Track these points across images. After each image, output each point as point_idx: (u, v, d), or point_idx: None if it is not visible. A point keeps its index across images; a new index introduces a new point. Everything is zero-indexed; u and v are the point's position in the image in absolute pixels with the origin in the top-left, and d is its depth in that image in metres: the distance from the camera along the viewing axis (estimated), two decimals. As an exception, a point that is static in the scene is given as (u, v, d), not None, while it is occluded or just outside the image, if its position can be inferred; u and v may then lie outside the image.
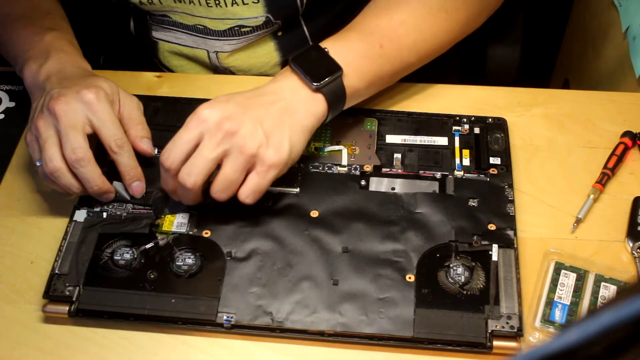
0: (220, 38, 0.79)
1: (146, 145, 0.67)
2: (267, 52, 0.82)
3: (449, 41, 0.72)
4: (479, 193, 0.67)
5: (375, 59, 0.68)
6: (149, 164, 0.68)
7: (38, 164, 0.64)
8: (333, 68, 0.65)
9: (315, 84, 0.63)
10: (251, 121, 0.60)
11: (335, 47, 0.66)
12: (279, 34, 0.80)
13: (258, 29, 0.78)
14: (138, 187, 0.67)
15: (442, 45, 0.72)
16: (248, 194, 0.61)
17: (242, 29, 0.78)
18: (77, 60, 0.71)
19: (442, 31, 0.71)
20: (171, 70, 0.86)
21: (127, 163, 0.66)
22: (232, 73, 0.84)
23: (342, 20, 0.77)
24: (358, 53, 0.67)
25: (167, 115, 0.75)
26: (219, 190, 0.61)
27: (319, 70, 0.64)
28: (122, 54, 0.94)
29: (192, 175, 0.60)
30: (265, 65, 0.83)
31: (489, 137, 0.72)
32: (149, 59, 0.87)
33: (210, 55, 0.81)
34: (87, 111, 0.64)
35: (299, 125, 0.63)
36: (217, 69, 0.84)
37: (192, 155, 0.60)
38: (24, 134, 0.76)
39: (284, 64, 0.83)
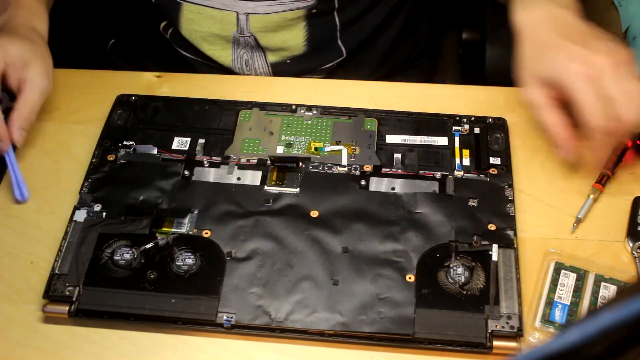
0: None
1: (17, 136, 0.68)
2: (297, 30, 0.82)
3: None
4: (479, 193, 0.67)
5: None
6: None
7: None
8: None
9: None
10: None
11: None
12: (314, 11, 0.80)
13: None
14: None
15: None
16: None
17: None
18: (29, 18, 0.71)
19: None
20: (185, 39, 0.84)
21: None
22: (256, 40, 0.82)
23: (370, 12, 0.76)
24: None
25: (167, 115, 0.75)
26: None
27: None
28: (130, 39, 0.93)
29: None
30: (290, 41, 0.82)
31: (489, 137, 0.72)
32: (157, 45, 0.86)
33: (240, 17, 0.80)
34: None
35: None
36: (238, 42, 0.82)
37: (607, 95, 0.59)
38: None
39: (309, 46, 0.83)
